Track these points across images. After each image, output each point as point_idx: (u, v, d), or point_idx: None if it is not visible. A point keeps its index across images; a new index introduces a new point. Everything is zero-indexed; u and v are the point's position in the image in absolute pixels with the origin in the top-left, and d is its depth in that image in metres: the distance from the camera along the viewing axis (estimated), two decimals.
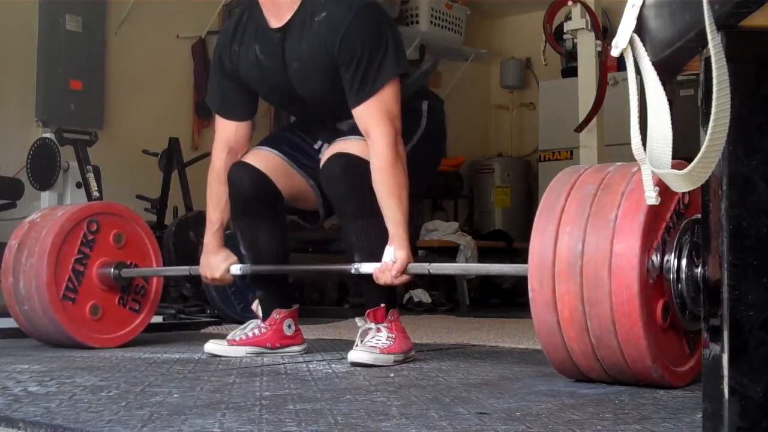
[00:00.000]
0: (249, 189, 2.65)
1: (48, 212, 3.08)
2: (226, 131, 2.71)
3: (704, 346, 1.08)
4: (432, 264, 2.61)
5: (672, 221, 1.90)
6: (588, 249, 1.83)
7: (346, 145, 2.49)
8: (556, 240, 1.88)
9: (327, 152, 2.54)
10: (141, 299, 3.14)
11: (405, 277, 2.42)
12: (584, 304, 1.83)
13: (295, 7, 2.49)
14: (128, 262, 3.07)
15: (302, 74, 2.52)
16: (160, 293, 3.22)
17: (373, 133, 2.42)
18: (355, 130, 2.51)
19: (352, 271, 2.49)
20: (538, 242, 1.92)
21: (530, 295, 1.92)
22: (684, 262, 1.87)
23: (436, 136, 2.70)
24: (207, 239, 2.78)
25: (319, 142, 2.72)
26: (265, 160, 2.68)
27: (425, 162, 2.69)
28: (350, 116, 2.50)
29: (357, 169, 2.45)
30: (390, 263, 2.40)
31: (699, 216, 1.77)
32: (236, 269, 2.72)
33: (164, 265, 4.68)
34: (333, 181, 2.50)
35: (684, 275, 1.87)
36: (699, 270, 1.81)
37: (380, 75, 2.42)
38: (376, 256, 2.45)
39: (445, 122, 2.76)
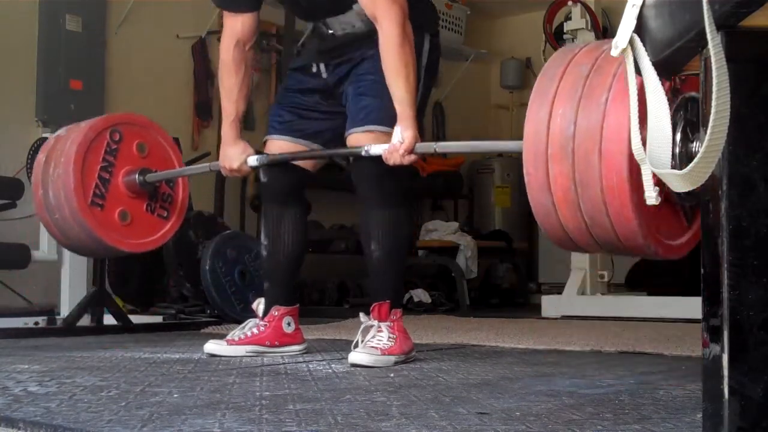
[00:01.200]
0: (280, 178, 2.73)
1: (73, 126, 3.11)
2: (233, 24, 2.75)
3: (704, 346, 1.08)
4: (438, 143, 2.64)
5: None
6: (579, 132, 1.83)
7: (368, 137, 2.53)
8: (549, 122, 1.89)
9: (351, 141, 2.57)
10: (168, 206, 3.16)
11: (413, 157, 2.46)
12: (576, 186, 1.84)
13: None
14: (153, 170, 3.10)
15: None
16: (187, 200, 3.23)
17: (379, 15, 2.46)
18: (350, 41, 2.58)
19: (363, 152, 2.52)
20: (532, 126, 1.93)
21: (526, 179, 1.93)
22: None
23: (433, 71, 2.72)
24: (224, 131, 2.81)
25: (315, 66, 2.73)
26: (283, 146, 2.73)
27: (424, 102, 2.74)
28: (341, 11, 2.55)
29: (381, 170, 2.50)
30: (398, 144, 2.44)
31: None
32: (253, 160, 2.75)
33: (165, 264, 4.72)
34: (361, 174, 2.57)
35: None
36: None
37: None
38: (396, 249, 2.53)
39: (439, 50, 2.77)
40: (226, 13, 2.79)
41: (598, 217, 1.84)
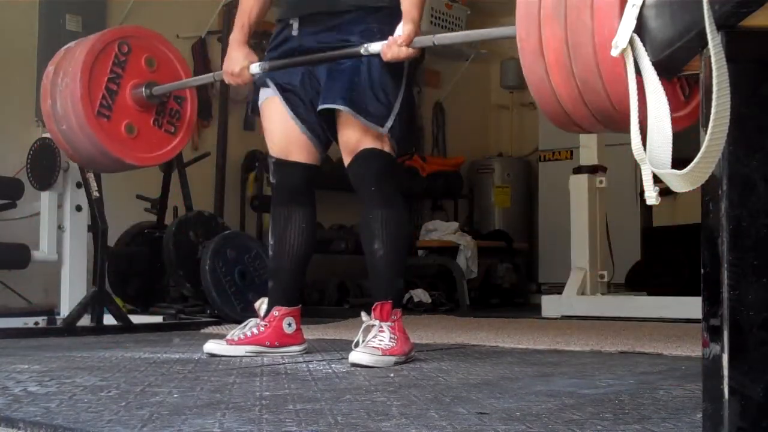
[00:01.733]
0: (290, 178, 2.74)
1: (83, 38, 3.10)
2: None
3: (704, 346, 1.08)
4: (436, 36, 2.62)
5: None
6: None
7: (361, 139, 2.54)
8: None
9: (345, 149, 2.58)
10: (176, 122, 3.14)
11: (411, 50, 2.48)
12: (569, 47, 1.82)
13: None
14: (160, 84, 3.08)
15: None
16: (195, 116, 3.21)
17: None
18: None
19: (362, 51, 2.53)
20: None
21: (519, 45, 1.91)
22: None
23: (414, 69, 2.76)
24: (233, 35, 2.81)
25: (294, 22, 2.71)
26: (284, 126, 2.72)
27: (411, 101, 2.77)
28: None
29: (379, 165, 2.53)
30: (397, 37, 2.47)
31: None
32: (255, 67, 2.74)
33: (165, 264, 4.71)
34: (360, 180, 2.58)
35: None
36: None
37: None
38: (398, 248, 2.53)
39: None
40: None
41: (590, 80, 1.79)
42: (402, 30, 2.48)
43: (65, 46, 3.10)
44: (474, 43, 7.61)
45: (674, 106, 1.90)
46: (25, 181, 4.56)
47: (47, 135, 4.61)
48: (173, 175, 5.09)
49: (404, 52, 2.47)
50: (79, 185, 4.46)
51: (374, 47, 2.51)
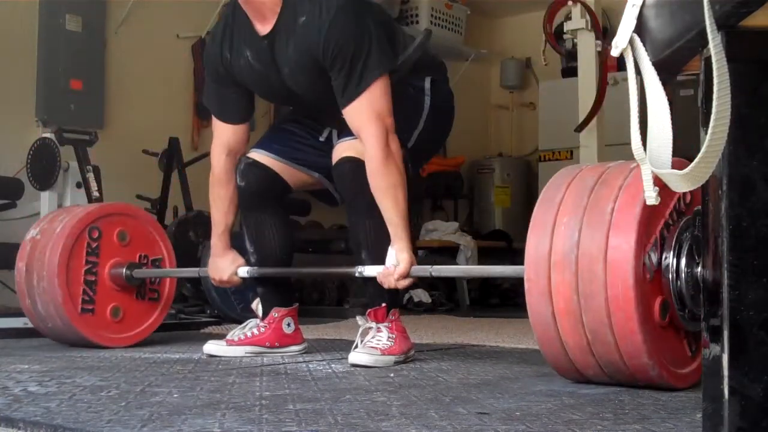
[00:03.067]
0: (257, 183, 2.69)
1: (46, 226, 3.05)
2: (225, 134, 2.73)
3: (704, 346, 1.08)
4: (434, 267, 2.62)
5: (671, 218, 1.89)
6: (584, 241, 1.83)
7: (354, 146, 2.49)
8: (553, 231, 1.88)
9: (336, 152, 2.54)
10: (158, 288, 3.17)
11: (408, 281, 2.43)
12: (579, 296, 1.82)
13: (278, 10, 2.47)
14: (137, 256, 3.09)
15: (295, 78, 2.52)
16: (175, 281, 3.26)
17: (363, 134, 2.42)
18: None
19: (356, 274, 2.51)
20: (536, 234, 1.92)
21: (526, 285, 1.91)
22: (683, 260, 1.86)
23: (442, 114, 2.71)
24: (213, 242, 2.80)
25: (326, 131, 2.73)
26: (266, 162, 2.70)
27: (433, 144, 2.75)
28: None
29: (361, 171, 2.46)
30: (392, 268, 2.41)
31: (699, 208, 1.76)
32: (243, 272, 2.74)
33: None
34: (344, 182, 2.53)
35: (683, 273, 1.86)
36: (699, 269, 1.80)
37: (365, 75, 2.40)
38: (383, 255, 2.48)
39: (451, 95, 2.75)
40: (216, 123, 2.75)
41: (600, 332, 1.81)
42: (397, 260, 2.41)
43: (29, 236, 3.08)
44: (474, 42, 7.61)
45: (680, 361, 1.91)
46: (25, 181, 4.56)
47: (47, 135, 4.62)
48: (173, 175, 5.09)
49: (402, 284, 2.42)
50: (79, 185, 4.46)
51: (369, 271, 2.47)
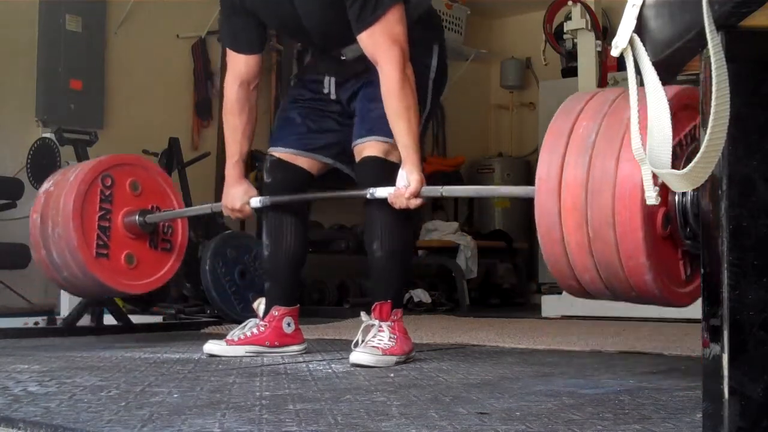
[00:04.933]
0: (284, 180, 2.72)
1: (59, 177, 3.08)
2: (237, 65, 2.75)
3: (704, 346, 1.08)
4: (444, 187, 2.63)
5: (685, 140, 1.88)
6: (600, 142, 1.82)
7: (376, 146, 2.53)
8: (570, 134, 1.88)
9: (358, 150, 2.58)
10: (171, 238, 3.18)
11: (419, 201, 2.45)
12: (588, 192, 1.82)
13: None
14: (149, 207, 3.10)
15: (306, 7, 2.55)
16: (187, 229, 3.26)
17: (380, 58, 2.45)
18: (359, 61, 2.56)
19: (368, 196, 2.52)
20: (553, 135, 1.91)
21: (536, 185, 1.90)
22: None
23: (441, 78, 2.72)
24: (227, 171, 2.81)
25: (327, 81, 2.73)
26: (288, 156, 2.74)
27: (434, 110, 2.75)
28: (353, 41, 2.52)
29: (383, 169, 2.51)
30: (403, 188, 2.43)
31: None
32: (256, 202, 2.75)
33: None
34: (366, 178, 2.56)
35: (690, 192, 1.84)
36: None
37: (381, 1, 2.43)
38: (398, 249, 2.52)
39: (447, 60, 2.76)
40: (229, 53, 2.78)
41: (603, 228, 1.80)
42: (408, 181, 2.43)
43: (42, 189, 3.10)
44: (474, 42, 7.62)
45: (675, 280, 1.89)
46: (25, 181, 4.56)
47: (47, 135, 4.63)
48: (173, 175, 5.09)
49: (413, 204, 2.44)
50: None
51: (381, 192, 2.48)
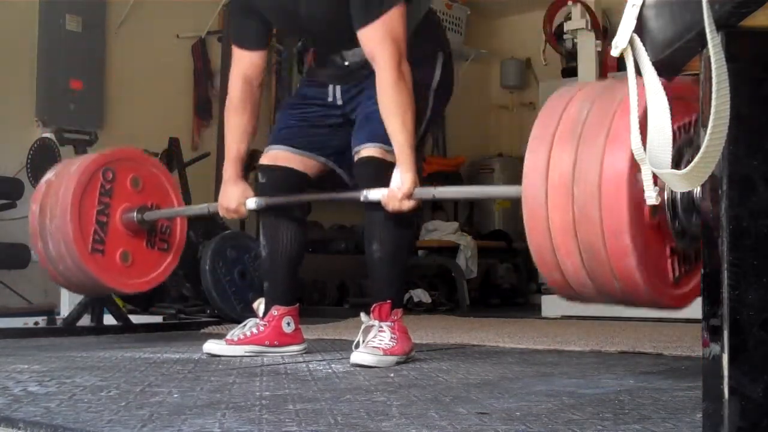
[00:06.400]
0: (278, 180, 2.72)
1: (61, 168, 3.07)
2: (242, 61, 2.76)
3: (704, 346, 1.08)
4: (437, 188, 2.61)
5: (679, 131, 1.88)
6: (592, 117, 1.80)
7: (372, 152, 2.52)
8: (564, 110, 1.86)
9: (359, 152, 2.56)
10: (168, 238, 3.18)
11: (412, 202, 2.43)
12: (575, 169, 1.80)
13: None
14: (149, 204, 3.09)
15: (311, 7, 2.55)
16: (185, 230, 3.25)
17: (377, 54, 2.45)
18: (362, 67, 2.56)
19: (361, 198, 2.51)
20: (546, 114, 1.90)
21: (525, 161, 1.89)
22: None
23: (446, 88, 2.72)
24: (225, 170, 2.81)
25: (331, 89, 2.73)
26: (284, 156, 2.73)
27: (437, 116, 2.76)
28: (355, 44, 2.52)
29: (381, 169, 2.50)
30: (396, 189, 2.42)
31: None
32: (252, 203, 2.74)
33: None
34: (366, 177, 2.55)
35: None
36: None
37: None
38: (397, 249, 2.51)
39: (452, 67, 2.76)
40: (235, 49, 2.78)
41: (589, 205, 1.76)
42: (401, 181, 2.41)
43: (44, 179, 3.09)
44: (474, 42, 7.62)
45: (660, 276, 1.82)
46: (25, 181, 4.57)
47: (47, 135, 4.63)
48: (173, 176, 5.09)
49: (406, 205, 2.42)
50: None
51: (374, 194, 2.46)
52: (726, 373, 1.01)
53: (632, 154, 1.73)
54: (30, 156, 4.54)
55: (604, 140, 1.78)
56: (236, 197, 2.76)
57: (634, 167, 1.74)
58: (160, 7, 5.72)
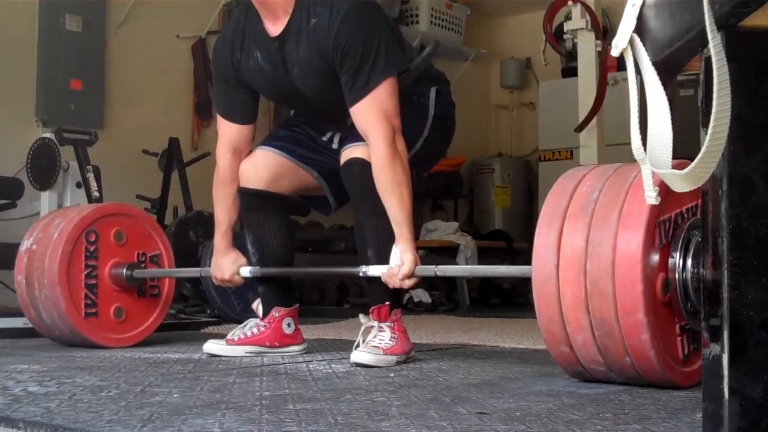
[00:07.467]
0: (259, 184, 2.70)
1: (41, 234, 3.04)
2: (230, 133, 2.73)
3: (704, 346, 1.08)
4: (439, 267, 2.61)
5: (680, 217, 1.89)
6: (603, 198, 1.84)
7: (362, 150, 2.50)
8: (575, 189, 1.90)
9: (344, 154, 2.55)
10: (158, 283, 3.18)
11: (413, 281, 2.43)
12: (588, 244, 1.82)
13: (290, 10, 2.49)
14: (136, 254, 3.09)
15: (304, 79, 2.53)
16: (175, 280, 3.27)
17: (370, 133, 2.43)
18: None
19: (360, 273, 2.51)
20: (556, 194, 1.94)
21: (535, 240, 1.92)
22: (690, 258, 1.84)
23: (445, 123, 2.73)
24: (216, 240, 2.81)
25: (329, 134, 2.73)
26: (269, 159, 2.72)
27: (436, 151, 2.76)
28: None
29: (364, 174, 2.47)
30: (397, 268, 2.41)
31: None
32: (245, 271, 2.75)
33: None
34: (353, 181, 2.54)
35: (689, 265, 1.84)
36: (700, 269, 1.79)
37: (373, 75, 2.42)
38: (389, 253, 2.48)
39: (453, 106, 2.77)
40: (222, 122, 2.75)
41: (601, 280, 1.79)
42: (402, 260, 2.41)
43: (23, 247, 3.07)
44: (474, 42, 7.61)
45: (671, 352, 1.85)
46: (25, 181, 4.56)
47: (47, 135, 4.62)
48: (173, 175, 5.09)
49: (407, 284, 2.42)
50: (79, 185, 4.46)
51: (374, 271, 2.46)
52: (726, 373, 1.01)
53: (645, 233, 1.77)
54: (30, 156, 4.54)
55: (617, 218, 1.81)
56: (229, 267, 2.77)
57: (647, 246, 1.78)
58: (160, 7, 5.71)
